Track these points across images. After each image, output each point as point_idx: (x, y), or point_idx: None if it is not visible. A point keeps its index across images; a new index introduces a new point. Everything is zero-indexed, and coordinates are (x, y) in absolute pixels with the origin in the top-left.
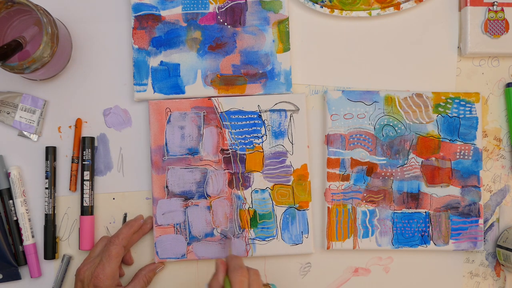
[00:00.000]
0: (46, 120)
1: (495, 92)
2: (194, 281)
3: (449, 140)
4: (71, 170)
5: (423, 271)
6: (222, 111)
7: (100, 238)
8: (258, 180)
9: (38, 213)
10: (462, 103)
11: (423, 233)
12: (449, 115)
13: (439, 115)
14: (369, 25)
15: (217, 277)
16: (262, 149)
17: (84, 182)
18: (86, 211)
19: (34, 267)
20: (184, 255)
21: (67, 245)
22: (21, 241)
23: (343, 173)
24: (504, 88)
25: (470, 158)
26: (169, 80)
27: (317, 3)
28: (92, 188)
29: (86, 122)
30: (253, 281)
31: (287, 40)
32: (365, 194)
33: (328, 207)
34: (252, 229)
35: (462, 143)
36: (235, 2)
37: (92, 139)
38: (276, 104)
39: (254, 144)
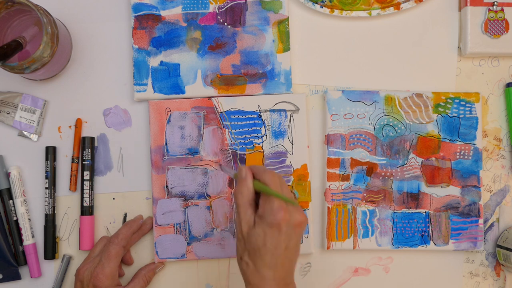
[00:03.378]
0: (46, 120)
1: (495, 92)
2: (194, 281)
3: (449, 140)
4: (71, 170)
5: (423, 271)
6: (222, 111)
7: (100, 238)
8: None
9: (38, 213)
10: (462, 103)
11: (423, 233)
12: (449, 115)
13: (439, 115)
14: (369, 25)
15: (245, 182)
16: (262, 149)
17: (84, 182)
18: (86, 211)
19: (34, 267)
20: (184, 255)
21: (67, 245)
22: (21, 241)
23: (343, 173)
24: (504, 88)
25: (470, 158)
26: (169, 80)
27: (317, 3)
28: (92, 188)
29: (86, 122)
30: (282, 183)
31: (287, 40)
32: (365, 194)
33: (328, 207)
34: None
35: (462, 143)
36: (235, 2)
37: (92, 139)
38: (276, 104)
39: (254, 144)
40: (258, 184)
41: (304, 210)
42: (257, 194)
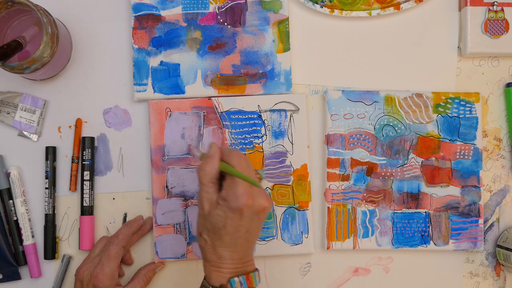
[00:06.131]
0: (46, 120)
1: (495, 92)
2: (194, 281)
3: (449, 140)
4: (71, 170)
5: (423, 271)
6: (222, 111)
7: (100, 238)
8: None
9: (38, 213)
10: (462, 103)
11: (423, 233)
12: (449, 115)
13: (439, 115)
14: (369, 25)
15: (211, 160)
16: (262, 149)
17: (84, 182)
18: (86, 211)
19: (34, 267)
20: (184, 255)
21: (67, 245)
22: (21, 241)
23: (343, 173)
24: (504, 88)
25: (470, 158)
26: (169, 80)
27: (317, 3)
28: (92, 188)
29: (86, 122)
30: (249, 165)
31: (287, 40)
32: (365, 194)
33: (328, 207)
34: None
35: (462, 143)
36: (235, 2)
37: (92, 139)
38: (276, 104)
39: (254, 144)
40: (224, 165)
41: (304, 210)
42: (221, 175)
